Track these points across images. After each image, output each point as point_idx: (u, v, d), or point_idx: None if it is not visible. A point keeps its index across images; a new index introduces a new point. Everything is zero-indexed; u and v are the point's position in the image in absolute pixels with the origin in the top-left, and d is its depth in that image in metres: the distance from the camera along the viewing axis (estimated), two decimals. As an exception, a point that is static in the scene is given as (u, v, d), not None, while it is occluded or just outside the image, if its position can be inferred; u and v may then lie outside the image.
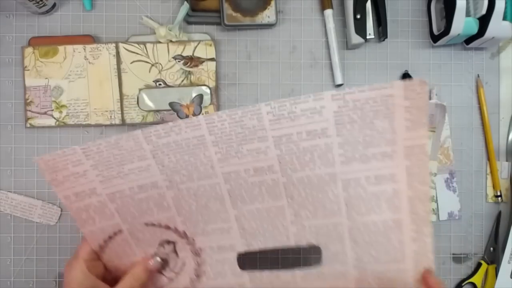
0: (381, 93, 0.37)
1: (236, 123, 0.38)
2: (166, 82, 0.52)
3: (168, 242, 0.42)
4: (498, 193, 0.53)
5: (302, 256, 0.52)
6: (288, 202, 0.41)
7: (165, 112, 0.52)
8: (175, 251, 0.43)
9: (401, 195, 0.39)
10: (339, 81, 0.52)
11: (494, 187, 0.53)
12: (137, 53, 0.51)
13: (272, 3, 0.51)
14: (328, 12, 0.52)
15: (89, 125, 0.52)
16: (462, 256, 0.53)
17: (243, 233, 0.42)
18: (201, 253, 0.43)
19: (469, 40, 0.51)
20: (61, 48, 0.51)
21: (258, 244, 0.42)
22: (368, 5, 0.51)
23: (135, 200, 0.40)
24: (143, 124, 0.52)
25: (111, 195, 0.40)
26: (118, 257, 0.42)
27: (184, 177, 0.40)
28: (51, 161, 0.39)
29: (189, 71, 0.52)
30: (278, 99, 0.37)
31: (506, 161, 0.54)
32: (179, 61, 0.51)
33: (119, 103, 0.51)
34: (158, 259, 0.42)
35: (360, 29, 0.51)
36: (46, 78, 0.51)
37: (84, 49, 0.51)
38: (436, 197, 0.53)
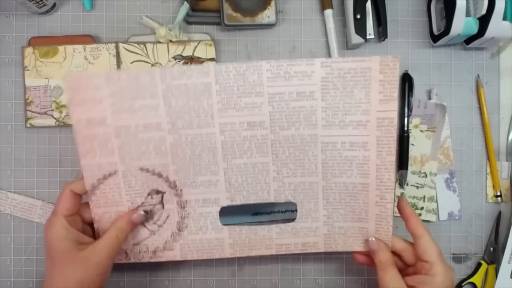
0: (361, 65, 0.42)
1: (239, 75, 0.42)
2: (166, 82, 0.52)
3: (157, 192, 0.44)
4: (498, 193, 0.53)
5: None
6: (273, 159, 0.45)
7: (165, 112, 0.52)
8: (162, 203, 0.45)
9: (370, 163, 0.44)
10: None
11: (494, 187, 0.53)
12: (137, 53, 0.51)
13: (272, 3, 0.51)
14: (328, 12, 0.52)
15: (89, 125, 0.52)
16: (462, 256, 0.53)
17: (228, 187, 0.45)
18: (186, 205, 0.45)
19: (469, 40, 0.51)
20: (61, 48, 0.51)
21: (240, 198, 0.45)
22: (368, 5, 0.51)
23: (137, 139, 0.43)
24: (143, 124, 0.52)
25: (118, 128, 0.42)
26: (105, 203, 0.44)
27: (186, 123, 0.43)
28: (76, 79, 0.41)
29: (189, 71, 0.52)
30: (276, 59, 0.42)
31: (506, 161, 0.54)
32: (179, 61, 0.51)
33: (119, 103, 0.51)
34: (142, 212, 0.44)
35: (360, 29, 0.51)
36: (46, 78, 0.51)
37: (84, 49, 0.51)
38: (436, 197, 0.53)
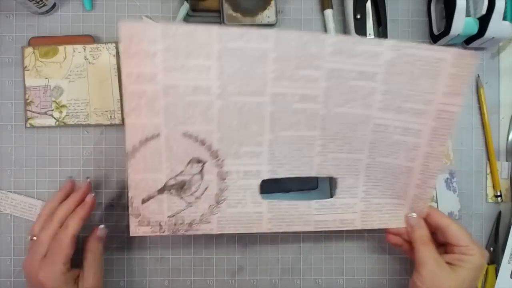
0: (435, 55, 0.41)
1: (300, 45, 0.40)
2: (166, 82, 0.52)
3: (198, 161, 0.43)
4: (498, 193, 0.53)
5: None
6: (320, 133, 0.44)
7: (165, 112, 0.52)
8: (202, 173, 0.43)
9: (419, 150, 0.44)
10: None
11: (494, 187, 0.53)
12: (137, 53, 0.51)
13: (272, 3, 0.51)
14: (328, 12, 0.52)
15: (89, 125, 0.52)
16: (462, 256, 0.53)
17: (271, 160, 0.44)
18: (226, 177, 0.44)
19: (469, 40, 0.51)
20: (61, 48, 0.51)
21: (282, 172, 0.45)
22: (368, 5, 0.51)
23: (184, 101, 0.41)
24: (143, 124, 0.52)
25: (167, 88, 0.40)
26: (144, 169, 0.42)
27: (237, 89, 0.41)
28: (132, 29, 0.39)
29: (189, 71, 0.52)
30: (343, 35, 0.40)
31: (506, 161, 0.54)
32: (179, 61, 0.51)
33: (119, 103, 0.51)
34: (103, 226, 0.46)
35: (360, 29, 0.51)
36: (46, 78, 0.51)
37: (84, 49, 0.51)
38: (436, 197, 0.53)
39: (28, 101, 0.51)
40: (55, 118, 0.51)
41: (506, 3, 0.47)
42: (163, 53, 0.40)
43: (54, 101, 0.51)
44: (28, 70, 0.51)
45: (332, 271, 0.53)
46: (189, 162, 0.43)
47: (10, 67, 0.52)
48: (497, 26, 0.48)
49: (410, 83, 0.42)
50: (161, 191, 0.44)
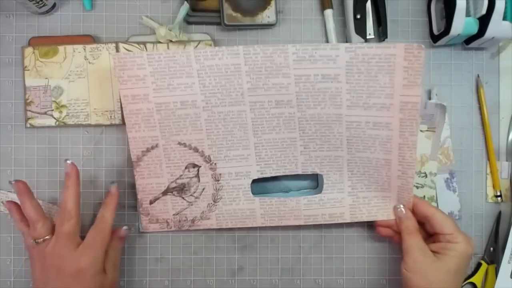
0: (386, 52, 0.44)
1: (267, 57, 0.45)
2: (166, 82, 0.52)
3: (194, 166, 0.49)
4: (498, 193, 0.53)
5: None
6: (300, 135, 0.48)
7: (165, 112, 0.52)
8: (198, 176, 0.49)
9: (393, 141, 0.46)
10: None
11: (494, 187, 0.53)
12: (137, 53, 0.51)
13: (272, 3, 0.51)
14: (328, 12, 0.52)
15: (89, 125, 0.52)
16: (462, 256, 0.53)
17: (259, 161, 0.49)
18: (220, 178, 0.49)
19: (469, 40, 0.51)
20: (61, 48, 0.51)
21: (270, 171, 0.49)
22: (368, 5, 0.51)
23: (175, 115, 0.47)
24: (143, 124, 0.52)
25: (158, 105, 0.47)
26: (148, 174, 0.49)
27: (219, 101, 0.47)
28: (123, 59, 0.46)
29: (189, 71, 0.52)
30: (302, 43, 0.45)
31: (506, 161, 0.54)
32: (179, 61, 0.51)
33: (119, 103, 0.51)
34: (126, 227, 0.50)
35: (360, 29, 0.51)
36: (46, 78, 0.51)
37: (84, 49, 0.51)
38: (436, 197, 0.53)
39: (28, 101, 0.51)
40: (55, 118, 0.51)
41: (506, 3, 0.47)
42: (151, 76, 0.46)
43: (54, 101, 0.51)
44: (28, 70, 0.51)
45: (332, 271, 0.53)
46: (186, 167, 0.49)
47: (10, 67, 0.52)
48: (497, 26, 0.48)
49: (371, 80, 0.45)
50: (164, 193, 0.50)
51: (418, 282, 0.44)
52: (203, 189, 0.49)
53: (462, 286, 0.53)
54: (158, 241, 0.52)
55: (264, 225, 0.50)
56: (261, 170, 0.49)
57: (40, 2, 0.49)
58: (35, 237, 0.45)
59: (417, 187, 0.53)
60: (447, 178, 0.53)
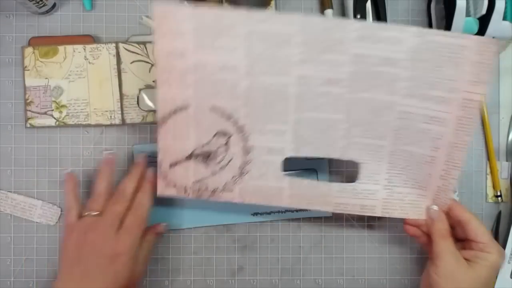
0: (457, 42, 0.41)
1: (325, 30, 0.41)
2: (166, 82, 0.52)
3: (225, 133, 0.45)
4: (498, 193, 0.53)
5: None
6: (345, 118, 0.44)
7: (165, 112, 0.52)
8: (227, 145, 0.45)
9: (444, 139, 0.43)
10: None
11: (494, 187, 0.53)
12: (137, 53, 0.51)
13: (272, 3, 0.51)
14: (328, 12, 0.52)
15: (89, 125, 0.52)
16: (462, 256, 0.53)
17: (295, 139, 0.45)
18: (250, 151, 0.45)
19: (469, 40, 0.51)
20: (61, 48, 0.51)
21: (305, 151, 0.45)
22: (368, 5, 0.51)
23: (213, 78, 0.42)
24: (143, 124, 0.52)
25: (196, 64, 0.42)
26: (173, 137, 0.45)
27: (263, 69, 0.42)
28: (164, 10, 0.41)
29: (189, 71, 0.52)
30: (367, 21, 0.41)
31: (506, 161, 0.54)
32: (179, 61, 0.51)
33: (119, 103, 0.51)
34: (166, 224, 0.50)
35: (360, 29, 0.51)
36: (46, 78, 0.51)
37: (84, 49, 0.51)
38: (436, 197, 0.53)
39: (28, 101, 0.51)
40: (55, 118, 0.51)
41: (506, 3, 0.47)
42: (192, 32, 0.41)
43: (54, 101, 0.51)
44: (28, 70, 0.51)
45: (332, 271, 0.53)
46: (215, 134, 0.45)
47: (10, 67, 0.52)
48: (497, 26, 0.48)
49: (435, 70, 0.41)
50: (188, 158, 0.45)
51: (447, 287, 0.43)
52: (230, 159, 0.45)
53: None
54: (158, 241, 0.52)
55: (290, 206, 0.47)
56: (296, 149, 0.45)
57: (40, 2, 0.49)
58: (91, 209, 0.45)
59: (417, 187, 0.53)
60: (447, 178, 0.53)
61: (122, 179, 0.47)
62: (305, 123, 0.44)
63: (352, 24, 0.41)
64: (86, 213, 0.45)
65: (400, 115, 0.43)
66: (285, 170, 0.46)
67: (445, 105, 0.42)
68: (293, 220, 0.53)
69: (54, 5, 0.51)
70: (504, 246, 0.52)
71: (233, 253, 0.53)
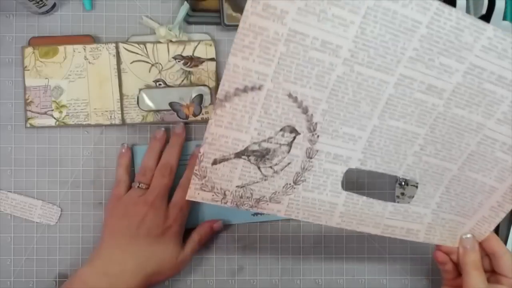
0: None
1: (457, 30, 0.36)
2: (166, 82, 0.52)
3: (292, 130, 0.38)
4: (498, 193, 0.53)
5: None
6: (426, 132, 0.40)
7: (165, 112, 0.52)
8: (290, 145, 0.39)
9: None
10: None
11: (494, 187, 0.53)
12: (137, 53, 0.51)
13: (272, 3, 0.51)
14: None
15: (89, 125, 0.52)
16: (462, 256, 0.53)
17: (366, 148, 0.40)
18: (314, 156, 0.40)
19: (469, 40, 0.51)
20: (61, 48, 0.51)
21: (372, 164, 0.41)
22: (369, 5, 0.51)
23: (306, 56, 0.35)
24: (143, 124, 0.52)
25: (292, 33, 0.34)
26: (229, 123, 0.37)
27: (367, 59, 0.36)
28: None
29: (189, 71, 0.52)
30: (504, 31, 0.36)
31: (506, 161, 0.54)
32: (179, 61, 0.51)
33: (119, 103, 0.51)
34: (221, 222, 0.50)
35: (361, 29, 0.51)
36: (46, 78, 0.51)
37: (84, 49, 0.51)
38: (436, 197, 0.53)
39: (28, 101, 0.51)
40: (55, 118, 0.51)
41: (506, 3, 0.47)
42: None
43: (54, 101, 0.51)
44: (28, 70, 0.51)
45: (332, 271, 0.53)
46: (282, 129, 0.38)
47: (10, 67, 0.52)
48: (497, 26, 0.48)
49: None
50: (238, 154, 0.38)
51: None
52: (289, 163, 0.39)
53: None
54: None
55: (338, 226, 0.42)
56: (363, 160, 0.40)
57: (40, 2, 0.49)
58: (141, 180, 0.47)
59: (417, 187, 0.53)
60: (447, 178, 0.53)
61: (164, 151, 0.49)
62: (384, 132, 0.40)
63: (489, 31, 0.36)
64: (136, 185, 0.47)
65: (483, 139, 0.40)
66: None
67: None
68: (293, 220, 0.53)
69: (54, 5, 0.51)
70: (504, 246, 0.52)
71: (233, 253, 0.53)
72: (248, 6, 0.33)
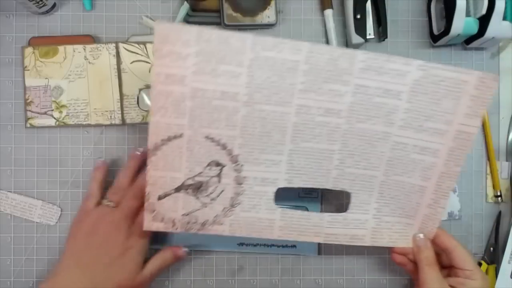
0: (459, 77, 0.42)
1: (331, 60, 0.41)
2: (166, 82, 0.52)
3: (218, 164, 0.44)
4: (498, 193, 0.53)
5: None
6: (340, 148, 0.44)
7: (165, 112, 0.52)
8: (219, 176, 0.44)
9: (435, 169, 0.44)
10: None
11: (494, 187, 0.53)
12: (137, 53, 0.51)
13: (272, 3, 0.51)
14: (328, 12, 0.52)
15: (89, 125, 0.52)
16: (462, 256, 0.53)
17: (289, 169, 0.44)
18: (243, 182, 0.44)
19: (469, 40, 0.51)
20: (61, 48, 0.51)
21: (299, 182, 0.45)
22: (368, 5, 0.51)
23: (211, 105, 0.41)
24: (143, 124, 0.52)
25: (194, 90, 0.41)
26: (164, 166, 0.43)
27: (264, 98, 0.42)
28: (167, 30, 0.39)
29: (189, 71, 0.52)
30: (375, 52, 0.41)
31: (506, 161, 0.54)
32: (179, 61, 0.51)
33: (119, 103, 0.51)
34: (187, 249, 0.48)
35: (360, 29, 0.51)
36: (46, 78, 0.51)
37: (84, 49, 0.51)
38: (436, 197, 0.53)
39: (28, 101, 0.51)
40: (55, 118, 0.51)
41: (506, 3, 0.47)
42: (195, 56, 0.40)
43: (54, 101, 0.51)
44: (28, 70, 0.51)
45: (332, 271, 0.53)
46: (208, 164, 0.44)
47: (10, 67, 0.52)
48: (497, 26, 0.48)
49: (433, 103, 0.43)
50: (178, 189, 0.44)
51: None
52: (222, 191, 0.45)
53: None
54: (159, 241, 0.52)
55: (280, 238, 0.46)
56: (289, 179, 0.45)
57: (40, 2, 0.49)
58: (111, 199, 0.47)
59: (417, 187, 0.53)
60: (447, 178, 0.53)
61: (140, 175, 0.48)
62: (301, 154, 0.44)
63: (360, 55, 0.41)
64: (105, 203, 0.47)
65: (394, 145, 0.44)
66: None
67: (439, 136, 0.43)
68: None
69: (54, 5, 0.51)
70: (504, 246, 0.52)
71: (233, 253, 0.53)
72: (153, 78, 0.40)
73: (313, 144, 0.44)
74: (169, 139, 0.42)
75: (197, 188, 0.44)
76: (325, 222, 0.46)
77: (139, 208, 0.46)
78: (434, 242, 0.46)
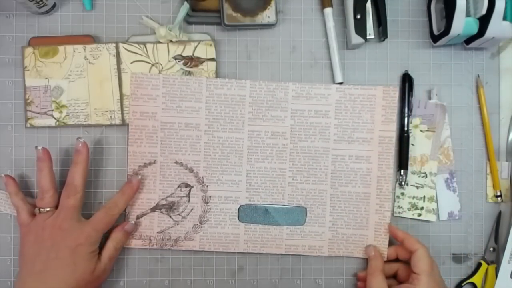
0: (368, 92, 0.51)
1: (269, 92, 0.51)
2: (166, 82, 0.52)
3: (186, 185, 0.51)
4: (498, 193, 0.53)
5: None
6: (290, 166, 0.52)
7: (165, 112, 0.52)
8: (189, 196, 0.51)
9: (372, 174, 0.51)
10: (339, 79, 0.52)
11: (494, 187, 0.53)
12: (137, 53, 0.51)
13: (272, 3, 0.51)
14: (328, 11, 0.52)
15: (89, 125, 0.52)
16: (462, 256, 0.53)
17: (248, 188, 0.52)
18: (209, 201, 0.51)
19: (469, 40, 0.51)
20: (61, 48, 0.51)
21: (258, 199, 0.52)
22: (368, 5, 0.51)
23: (178, 135, 0.51)
24: (143, 124, 0.52)
25: (164, 124, 0.51)
26: (140, 189, 0.51)
27: (220, 127, 0.51)
28: (140, 78, 0.50)
29: (189, 71, 0.52)
30: (301, 83, 0.52)
31: (506, 161, 0.54)
32: (179, 61, 0.51)
33: (119, 103, 0.51)
34: (133, 222, 0.51)
35: (360, 29, 0.51)
36: (46, 78, 0.51)
37: (84, 49, 0.51)
38: (436, 197, 0.53)
39: (28, 101, 0.51)
40: (55, 118, 0.51)
41: (506, 3, 0.47)
42: (162, 97, 0.50)
43: (54, 101, 0.51)
44: (28, 70, 0.51)
45: (332, 271, 0.53)
46: (178, 186, 0.51)
47: (10, 67, 0.52)
48: (497, 26, 0.48)
49: (355, 116, 0.51)
50: (153, 209, 0.51)
51: None
52: (191, 209, 0.51)
53: (462, 286, 0.53)
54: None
55: (245, 251, 0.51)
56: (250, 197, 0.51)
57: (40, 2, 0.49)
58: (41, 206, 0.47)
59: (417, 187, 0.53)
60: (447, 178, 0.53)
61: (69, 171, 0.48)
62: (257, 173, 0.51)
63: (290, 85, 0.51)
64: (39, 211, 0.47)
65: (334, 158, 0.51)
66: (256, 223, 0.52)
67: (367, 144, 0.51)
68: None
69: (54, 5, 0.51)
70: (504, 246, 0.52)
71: (233, 253, 0.53)
72: (131, 115, 0.51)
73: (266, 164, 0.51)
74: (145, 165, 0.51)
75: (170, 207, 0.51)
76: (284, 235, 0.52)
77: (77, 205, 0.46)
78: (403, 246, 0.49)
